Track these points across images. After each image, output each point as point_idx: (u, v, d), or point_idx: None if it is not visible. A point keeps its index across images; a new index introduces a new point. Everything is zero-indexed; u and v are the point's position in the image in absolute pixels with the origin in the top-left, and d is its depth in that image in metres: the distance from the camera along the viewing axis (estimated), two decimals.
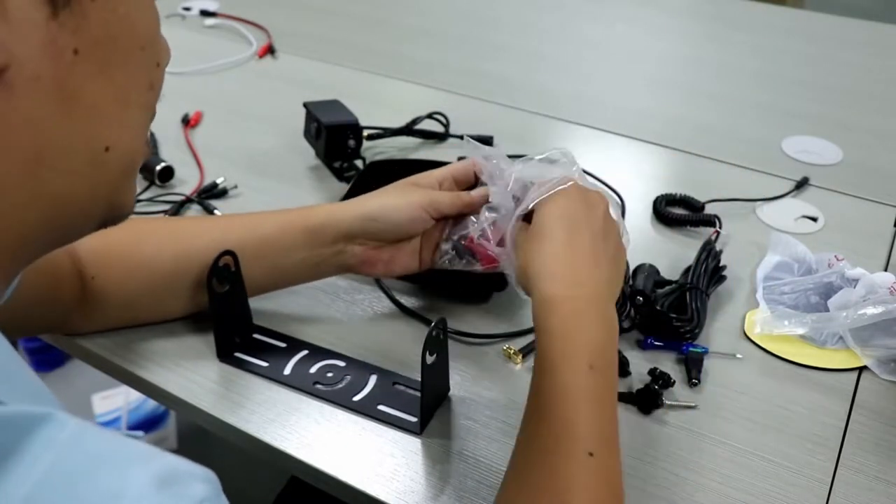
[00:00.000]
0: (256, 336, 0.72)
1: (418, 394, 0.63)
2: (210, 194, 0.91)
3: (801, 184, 0.96)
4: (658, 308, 0.71)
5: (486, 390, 0.67)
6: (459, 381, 0.68)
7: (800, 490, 0.59)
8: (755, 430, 0.64)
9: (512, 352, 0.70)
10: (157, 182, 0.92)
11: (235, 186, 0.92)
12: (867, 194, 0.95)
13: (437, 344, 0.61)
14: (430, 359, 0.60)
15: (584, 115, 1.12)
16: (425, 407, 0.63)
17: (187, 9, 1.44)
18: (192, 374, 0.68)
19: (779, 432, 0.64)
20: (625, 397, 0.66)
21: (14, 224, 0.37)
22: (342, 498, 0.61)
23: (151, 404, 1.54)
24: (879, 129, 1.11)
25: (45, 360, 1.70)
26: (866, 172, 1.00)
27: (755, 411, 0.65)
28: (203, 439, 1.55)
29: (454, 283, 0.77)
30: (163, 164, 0.92)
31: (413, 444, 0.62)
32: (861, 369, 0.70)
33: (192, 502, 0.30)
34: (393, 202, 0.69)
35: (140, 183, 0.92)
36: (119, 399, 1.54)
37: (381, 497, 0.58)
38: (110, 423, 1.52)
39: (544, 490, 0.49)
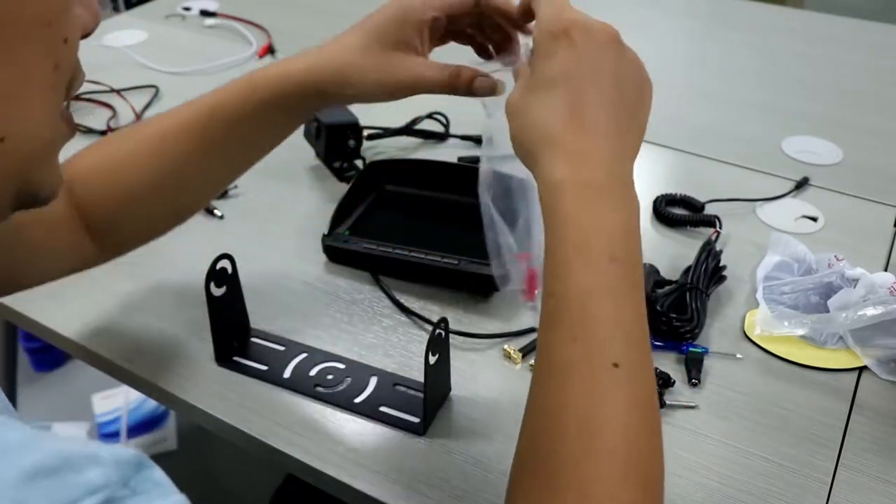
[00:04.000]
0: (254, 340, 0.72)
1: (420, 394, 0.63)
2: None
3: (801, 184, 0.96)
4: (658, 308, 0.71)
5: (486, 390, 0.67)
6: (459, 381, 0.68)
7: (800, 490, 0.59)
8: (755, 430, 0.64)
9: (512, 352, 0.70)
10: None
11: (235, 186, 0.92)
12: (867, 194, 0.95)
13: (439, 344, 0.61)
14: (432, 359, 0.60)
15: None
16: (428, 407, 0.63)
17: (187, 9, 1.44)
18: (192, 374, 0.68)
19: (779, 432, 0.64)
20: None
21: None
22: (341, 497, 0.61)
23: (151, 404, 1.54)
24: (879, 129, 1.11)
25: (45, 360, 1.70)
26: (866, 172, 1.00)
27: (755, 411, 0.65)
28: (203, 439, 1.55)
29: (454, 282, 0.77)
30: None
31: (413, 443, 0.62)
32: (861, 369, 0.70)
33: (79, 492, 0.26)
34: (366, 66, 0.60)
35: None
36: (119, 399, 1.54)
37: (381, 497, 0.58)
38: (110, 423, 1.52)
39: (564, 412, 0.41)
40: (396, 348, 0.71)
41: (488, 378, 0.68)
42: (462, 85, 0.60)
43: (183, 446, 1.54)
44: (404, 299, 0.77)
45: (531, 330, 0.73)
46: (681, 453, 0.62)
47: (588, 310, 0.42)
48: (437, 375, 0.63)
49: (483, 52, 0.65)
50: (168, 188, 0.64)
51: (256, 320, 0.73)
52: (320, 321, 0.74)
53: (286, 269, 0.81)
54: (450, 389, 0.66)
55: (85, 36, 0.40)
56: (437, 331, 0.59)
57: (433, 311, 0.75)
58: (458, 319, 0.74)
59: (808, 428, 0.64)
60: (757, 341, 0.72)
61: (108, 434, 1.51)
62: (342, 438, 0.63)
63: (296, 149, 0.99)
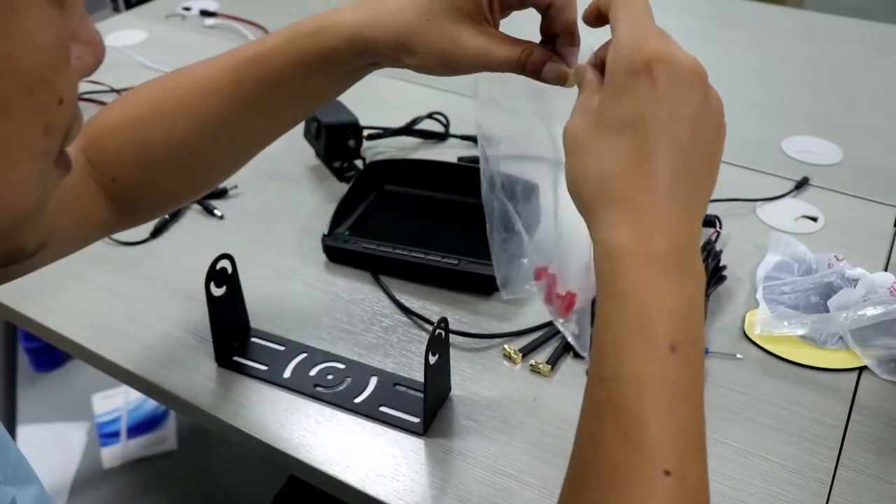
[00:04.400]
0: (254, 339, 0.72)
1: (420, 394, 0.63)
2: (210, 194, 0.91)
3: (801, 184, 0.96)
4: None
5: (486, 390, 0.67)
6: (459, 381, 0.68)
7: (800, 490, 0.59)
8: (755, 429, 0.64)
9: (512, 352, 0.70)
10: None
11: (235, 186, 0.92)
12: (867, 194, 0.95)
13: (439, 344, 0.61)
14: (432, 359, 0.60)
15: None
16: (428, 407, 0.63)
17: (187, 9, 1.44)
18: (192, 374, 0.68)
19: (779, 432, 0.64)
20: None
21: None
22: (342, 498, 0.61)
23: (151, 404, 1.54)
24: (879, 129, 1.11)
25: (45, 360, 1.70)
26: (866, 172, 1.00)
27: (755, 411, 0.65)
28: (203, 439, 1.55)
29: (454, 282, 0.77)
30: None
31: (412, 443, 0.62)
32: (861, 369, 0.70)
33: None
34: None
35: None
36: (119, 399, 1.54)
37: (381, 497, 0.58)
38: (110, 423, 1.52)
39: None
40: (396, 348, 0.71)
41: (488, 378, 0.68)
42: (531, 67, 0.51)
43: (183, 446, 1.54)
44: (404, 299, 0.77)
45: (531, 330, 0.73)
46: None
47: (643, 407, 0.38)
48: (438, 375, 0.63)
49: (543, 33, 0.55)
50: (197, 149, 0.57)
51: (257, 320, 0.73)
52: (320, 321, 0.74)
53: (286, 269, 0.81)
54: (450, 389, 0.66)
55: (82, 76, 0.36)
56: (438, 331, 0.59)
57: (433, 311, 0.75)
58: (458, 319, 0.74)
59: (808, 428, 0.64)
60: (757, 341, 0.72)
61: (108, 434, 1.51)
62: (342, 438, 0.63)
63: (296, 149, 0.99)
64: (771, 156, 1.03)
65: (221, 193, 0.92)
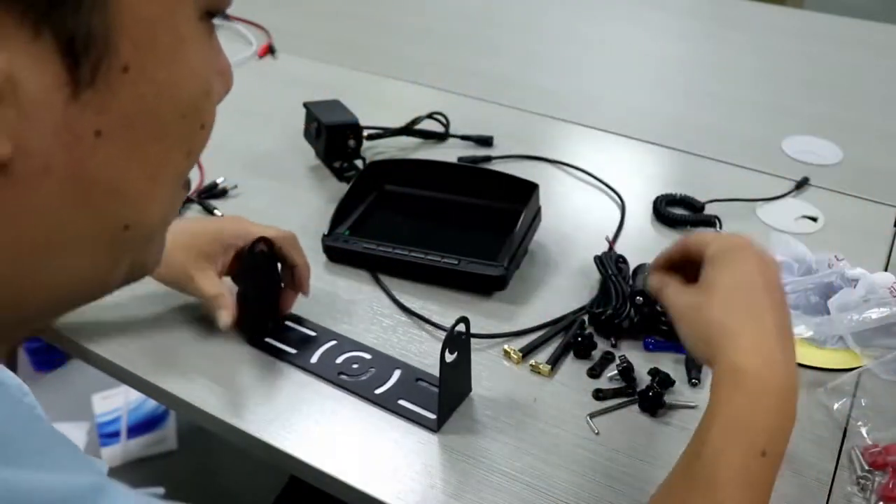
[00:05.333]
0: (288, 323, 0.73)
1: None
2: (210, 194, 0.91)
3: (801, 184, 0.96)
4: (658, 308, 0.71)
5: (486, 391, 0.67)
6: None
7: (800, 490, 0.59)
8: None
9: (512, 352, 0.70)
10: None
11: (235, 186, 0.92)
12: (867, 194, 0.95)
13: (457, 342, 0.61)
14: (449, 357, 0.60)
15: (584, 115, 1.12)
16: (443, 404, 0.63)
17: None
18: (192, 373, 0.68)
19: None
20: (627, 396, 0.66)
21: (14, 312, 0.33)
22: (342, 498, 0.61)
23: (151, 404, 1.54)
24: (879, 129, 1.11)
25: (45, 360, 1.70)
26: (866, 172, 1.00)
27: None
28: (203, 439, 1.55)
29: (454, 282, 0.77)
30: None
31: (413, 444, 0.62)
32: (861, 369, 0.69)
33: None
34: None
35: None
36: (119, 399, 1.54)
37: (381, 497, 0.58)
38: (110, 423, 1.52)
39: None
40: (396, 348, 0.71)
41: (488, 378, 0.68)
42: (213, 306, 0.70)
43: (183, 446, 1.54)
44: (404, 299, 0.77)
45: (531, 330, 0.73)
46: (681, 453, 0.62)
47: (729, 489, 0.46)
48: (455, 374, 0.64)
49: None
50: None
51: (298, 307, 0.74)
52: (320, 321, 0.74)
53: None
54: (470, 389, 0.67)
55: None
56: (455, 330, 0.59)
57: (433, 311, 0.75)
58: (449, 313, 0.74)
59: (808, 428, 0.64)
60: None
61: (108, 434, 1.51)
62: (343, 439, 0.63)
63: (296, 149, 0.99)
64: (771, 156, 1.03)
65: (221, 193, 0.92)
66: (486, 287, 0.77)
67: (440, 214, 0.87)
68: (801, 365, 0.70)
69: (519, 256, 0.79)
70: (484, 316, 0.75)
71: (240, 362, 0.70)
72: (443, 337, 0.67)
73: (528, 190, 0.81)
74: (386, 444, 0.62)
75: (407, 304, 0.76)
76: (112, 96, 0.30)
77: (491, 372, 0.69)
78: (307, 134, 0.99)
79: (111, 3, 0.29)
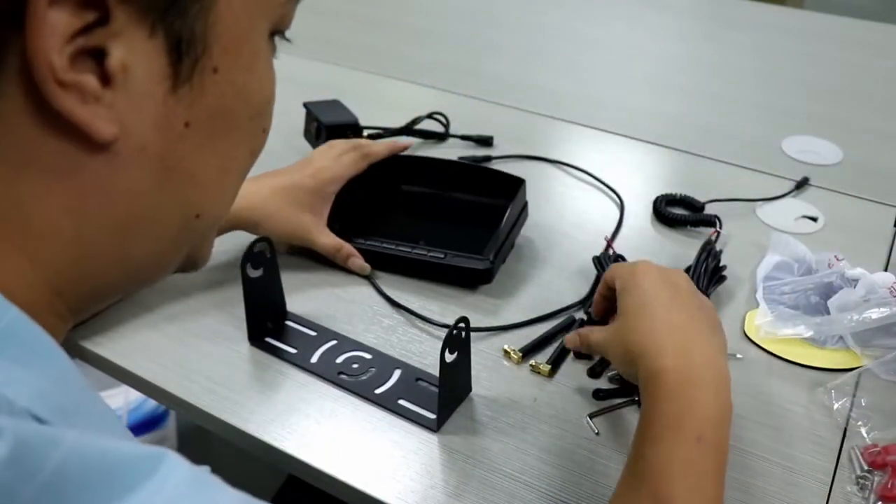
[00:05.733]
0: (289, 323, 0.73)
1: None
2: None
3: (801, 184, 0.96)
4: None
5: (486, 390, 0.67)
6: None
7: (800, 490, 0.59)
8: (755, 430, 0.64)
9: (512, 352, 0.70)
10: None
11: None
12: (867, 194, 0.95)
13: (457, 342, 0.61)
14: (449, 357, 0.60)
15: (584, 115, 1.12)
16: (443, 404, 0.63)
17: None
18: (192, 373, 0.68)
19: (779, 432, 0.64)
20: (627, 396, 0.66)
21: (93, 284, 0.36)
22: (342, 498, 0.61)
23: (151, 404, 1.54)
24: (879, 129, 1.11)
25: None
26: (866, 172, 1.00)
27: (755, 411, 0.65)
28: (203, 439, 1.55)
29: (440, 276, 0.78)
30: None
31: (412, 443, 0.62)
32: (861, 369, 0.69)
33: None
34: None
35: None
36: (119, 399, 1.54)
37: (381, 497, 0.58)
38: None
39: None
40: (396, 348, 0.71)
41: (487, 378, 0.68)
42: (340, 258, 0.78)
43: (183, 446, 1.54)
44: (392, 293, 0.77)
45: (519, 325, 0.73)
46: None
47: (667, 479, 0.48)
48: (455, 374, 0.64)
49: None
50: None
51: (296, 307, 0.74)
52: (320, 320, 0.74)
53: (281, 264, 0.81)
54: (471, 389, 0.67)
55: None
56: (455, 330, 0.59)
57: (417, 305, 0.76)
58: (444, 312, 0.74)
59: (808, 428, 0.64)
60: (757, 341, 0.72)
61: None
62: (342, 439, 0.63)
63: (296, 149, 0.99)
64: (771, 156, 1.03)
65: None
66: (472, 280, 0.78)
67: (430, 210, 0.89)
68: (801, 365, 0.70)
69: (505, 251, 0.80)
70: (471, 310, 0.75)
71: (240, 362, 0.70)
72: (429, 329, 0.67)
73: (514, 185, 0.82)
74: (386, 444, 0.62)
75: (395, 298, 0.76)
76: (201, 93, 0.35)
77: (491, 372, 0.69)
78: (307, 134, 0.99)
79: (212, 13, 0.34)
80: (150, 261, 0.39)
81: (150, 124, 0.33)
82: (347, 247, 0.77)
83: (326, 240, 0.77)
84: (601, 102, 1.17)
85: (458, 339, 0.61)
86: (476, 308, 0.76)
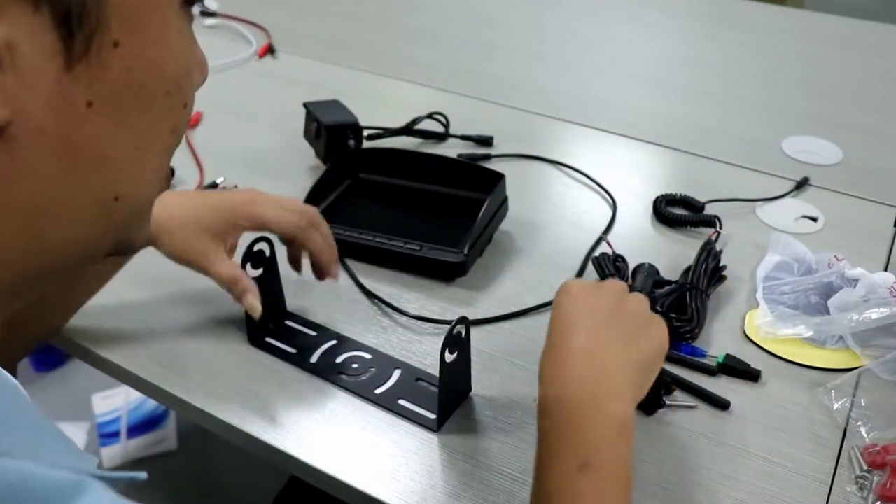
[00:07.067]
0: (288, 323, 0.73)
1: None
2: None
3: (801, 184, 0.96)
4: (658, 308, 0.71)
5: (486, 390, 0.67)
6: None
7: (800, 490, 0.59)
8: (755, 430, 0.64)
9: None
10: None
11: (235, 186, 0.92)
12: (867, 194, 0.95)
13: (457, 342, 0.61)
14: (449, 357, 0.60)
15: (584, 115, 1.12)
16: (443, 404, 0.63)
17: None
18: (192, 373, 0.68)
19: (779, 432, 0.64)
20: None
21: (9, 275, 0.35)
22: (342, 498, 0.61)
23: (151, 404, 1.54)
24: (879, 129, 1.11)
25: (45, 360, 1.70)
26: (866, 172, 1.00)
27: (755, 411, 0.65)
28: (203, 439, 1.55)
29: (416, 267, 0.79)
30: None
31: (412, 443, 0.62)
32: (861, 369, 0.69)
33: None
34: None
35: None
36: (119, 399, 1.54)
37: (381, 497, 0.58)
38: (110, 423, 1.52)
39: None
40: (395, 348, 0.71)
41: (487, 378, 0.68)
42: (236, 292, 0.67)
43: (183, 446, 1.54)
44: (368, 283, 0.78)
45: (498, 318, 0.73)
46: (680, 453, 0.62)
47: None
48: (455, 373, 0.64)
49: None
50: None
51: (296, 307, 0.74)
52: (320, 320, 0.74)
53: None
54: (470, 388, 0.67)
55: None
56: (455, 329, 0.59)
57: (393, 294, 0.77)
58: (421, 304, 0.74)
59: (808, 428, 0.64)
60: (757, 341, 0.72)
61: (107, 434, 1.51)
62: (343, 439, 0.63)
63: (296, 149, 0.99)
64: (771, 156, 1.03)
65: None
66: (447, 273, 0.79)
67: (411, 203, 0.90)
68: (801, 365, 0.70)
69: (482, 244, 0.81)
70: (447, 301, 0.77)
71: (240, 362, 0.70)
72: (401, 319, 0.68)
73: (494, 180, 0.83)
74: (386, 444, 0.62)
75: (370, 287, 0.78)
76: (103, 69, 0.33)
77: (490, 372, 0.69)
78: (307, 134, 0.99)
79: None
80: (71, 246, 0.37)
81: (46, 105, 0.32)
82: (246, 281, 0.67)
83: (223, 269, 0.67)
84: (601, 102, 1.17)
85: (457, 338, 0.61)
86: (452, 300, 0.77)
